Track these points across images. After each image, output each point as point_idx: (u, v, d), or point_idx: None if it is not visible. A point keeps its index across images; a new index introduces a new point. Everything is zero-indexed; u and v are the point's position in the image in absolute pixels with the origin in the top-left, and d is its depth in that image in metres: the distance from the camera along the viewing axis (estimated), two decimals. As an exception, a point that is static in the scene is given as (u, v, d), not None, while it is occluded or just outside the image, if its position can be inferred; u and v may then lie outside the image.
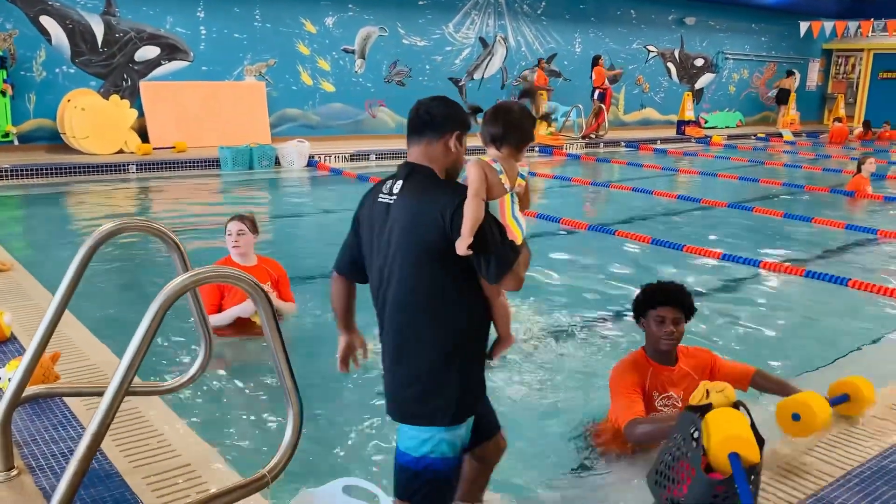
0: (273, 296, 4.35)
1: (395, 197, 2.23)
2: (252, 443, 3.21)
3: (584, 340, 4.66)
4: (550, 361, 4.29)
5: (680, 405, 3.08)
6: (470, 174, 2.17)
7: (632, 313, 3.25)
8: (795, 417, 2.89)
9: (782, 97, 20.74)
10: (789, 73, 20.96)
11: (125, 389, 2.05)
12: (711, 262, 6.59)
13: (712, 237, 7.58)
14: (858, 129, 20.44)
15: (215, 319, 4.18)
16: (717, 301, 5.56)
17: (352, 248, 2.40)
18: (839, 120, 20.50)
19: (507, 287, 2.20)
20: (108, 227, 2.48)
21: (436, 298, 2.15)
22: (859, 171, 10.12)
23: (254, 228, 4.42)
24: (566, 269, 6.32)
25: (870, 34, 19.87)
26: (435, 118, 2.25)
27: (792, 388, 3.14)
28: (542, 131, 15.16)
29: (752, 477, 2.33)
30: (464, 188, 2.16)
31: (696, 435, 2.40)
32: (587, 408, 3.61)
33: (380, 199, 2.27)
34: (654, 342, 3.12)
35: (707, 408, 2.42)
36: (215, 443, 3.10)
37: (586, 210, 9.86)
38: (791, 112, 20.90)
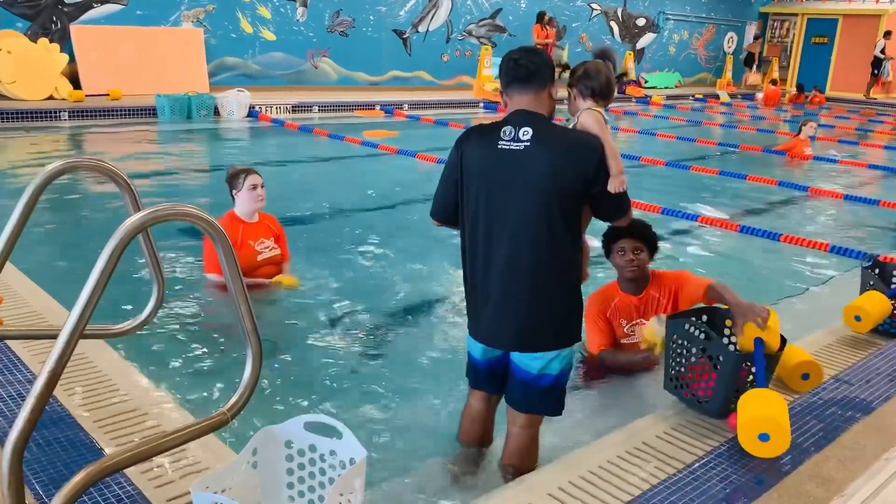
0: (286, 266, 4.37)
1: (526, 143, 2.37)
2: (210, 389, 3.21)
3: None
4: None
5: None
6: (592, 124, 2.48)
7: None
8: (763, 438, 2.50)
9: (749, 60, 21.27)
10: (756, 38, 21.39)
11: (81, 330, 2.02)
12: (652, 216, 6.76)
13: (652, 193, 7.76)
14: (791, 92, 21.06)
15: (215, 279, 4.13)
16: (658, 256, 5.72)
17: (451, 196, 2.53)
18: (774, 82, 21.06)
19: (621, 223, 2.60)
20: (55, 165, 2.41)
21: (556, 235, 2.38)
22: (799, 132, 10.47)
23: None
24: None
25: (804, -1, 20.38)
26: (540, 68, 2.45)
27: (742, 305, 2.89)
28: (486, 87, 15.14)
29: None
30: (594, 136, 2.44)
31: (697, 333, 2.78)
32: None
33: (501, 146, 2.40)
34: (619, 273, 3.48)
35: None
36: (172, 386, 3.10)
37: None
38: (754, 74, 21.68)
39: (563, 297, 2.45)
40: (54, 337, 2.01)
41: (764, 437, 2.45)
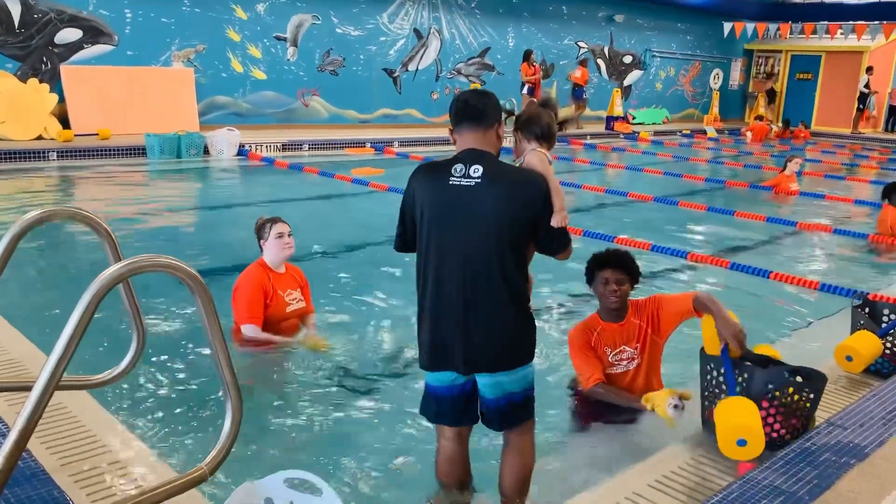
0: (311, 320, 4.31)
1: (477, 180, 2.50)
2: (189, 440, 3.13)
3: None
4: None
5: (636, 357, 3.57)
6: (537, 163, 2.64)
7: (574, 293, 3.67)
8: (741, 443, 2.73)
9: (771, 97, 21.70)
10: (769, 76, 21.78)
11: (55, 383, 1.97)
12: (641, 252, 6.76)
13: (640, 230, 7.77)
14: (777, 128, 21.30)
15: (263, 337, 4.02)
16: (646, 290, 5.70)
17: (409, 229, 2.65)
18: (760, 118, 21.32)
19: (562, 257, 2.70)
20: (34, 214, 2.38)
21: (509, 265, 2.51)
22: (785, 168, 10.53)
23: None
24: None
25: (788, 36, 20.70)
26: (488, 108, 2.61)
27: (730, 323, 3.09)
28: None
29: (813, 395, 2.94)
30: (539, 174, 2.59)
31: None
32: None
33: (452, 182, 2.52)
34: (602, 302, 3.59)
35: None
36: (150, 438, 3.03)
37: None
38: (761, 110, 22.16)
39: (519, 317, 2.59)
40: (30, 389, 1.96)
41: (742, 443, 2.71)
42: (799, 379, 2.99)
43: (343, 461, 3.05)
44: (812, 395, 2.98)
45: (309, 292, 4.42)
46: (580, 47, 19.54)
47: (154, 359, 3.85)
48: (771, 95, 22.26)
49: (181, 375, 3.72)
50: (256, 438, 3.15)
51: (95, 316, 1.96)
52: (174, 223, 7.34)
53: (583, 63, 18.31)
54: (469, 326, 2.50)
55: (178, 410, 3.36)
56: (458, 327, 2.51)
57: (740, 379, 2.98)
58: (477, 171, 2.51)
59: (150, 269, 1.99)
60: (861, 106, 21.64)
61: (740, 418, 2.72)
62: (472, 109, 2.59)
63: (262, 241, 4.18)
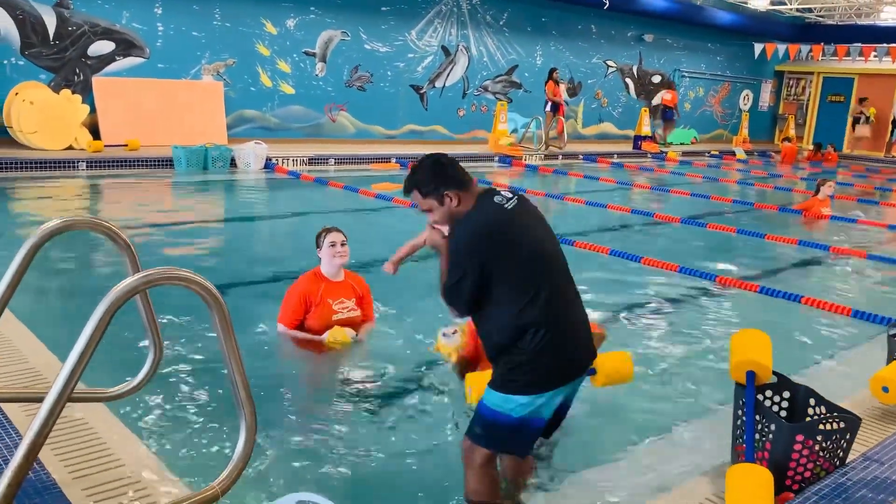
0: (350, 332, 4.28)
1: (515, 201, 2.64)
2: (203, 454, 3.07)
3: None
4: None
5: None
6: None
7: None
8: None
9: (856, 120, 21.52)
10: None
11: (67, 396, 1.94)
12: (669, 274, 6.64)
13: (667, 251, 7.64)
14: (808, 150, 21.02)
15: (290, 333, 4.23)
16: (675, 313, 5.59)
17: (479, 286, 2.54)
18: (789, 140, 21.06)
19: None
20: (53, 223, 2.36)
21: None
22: (817, 192, 10.32)
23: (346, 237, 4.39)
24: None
25: (820, 58, 20.47)
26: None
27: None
28: (501, 141, 15.22)
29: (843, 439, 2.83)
30: None
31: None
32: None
33: (508, 207, 2.60)
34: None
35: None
36: (164, 453, 2.98)
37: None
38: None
39: None
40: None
41: None
42: (832, 426, 2.85)
43: (357, 484, 2.98)
44: (847, 439, 2.85)
45: (369, 302, 4.52)
46: (608, 66, 19.47)
47: (172, 372, 3.81)
48: (857, 120, 21.94)
49: (198, 390, 3.66)
50: (271, 455, 3.09)
51: (114, 327, 1.92)
52: (198, 235, 7.35)
53: (671, 87, 19.83)
54: (585, 329, 2.65)
55: (193, 425, 3.30)
56: (581, 333, 2.63)
57: (762, 429, 2.83)
58: (511, 202, 2.62)
59: (166, 281, 1.95)
60: (857, 121, 21.43)
61: (752, 499, 2.52)
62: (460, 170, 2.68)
63: (318, 251, 4.34)
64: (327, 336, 4.18)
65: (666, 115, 19.65)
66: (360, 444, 3.29)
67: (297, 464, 3.08)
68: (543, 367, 2.50)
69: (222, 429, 3.25)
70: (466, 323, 3.27)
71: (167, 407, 3.44)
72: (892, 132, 21.37)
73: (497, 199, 2.60)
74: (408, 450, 3.29)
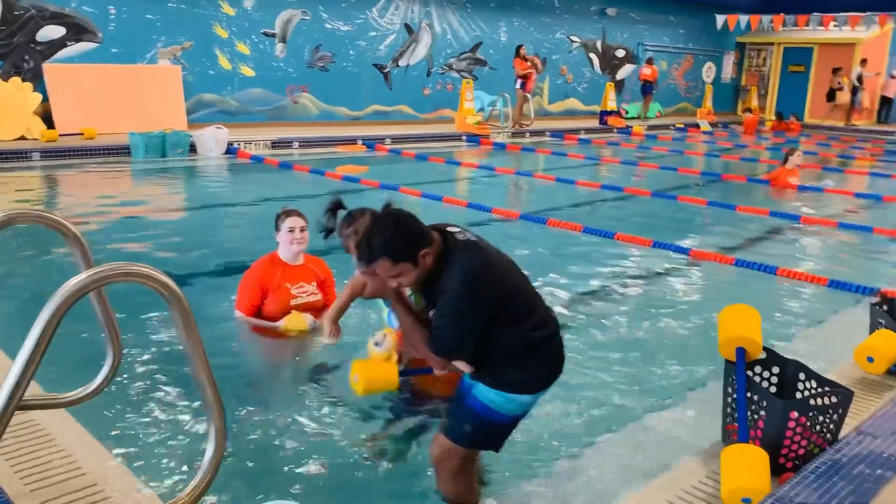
0: (308, 318, 4.09)
1: (470, 234, 2.55)
2: (173, 458, 2.89)
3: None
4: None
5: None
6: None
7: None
8: (746, 501, 2.54)
9: (831, 96, 21.37)
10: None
11: (14, 405, 1.76)
12: (643, 249, 6.58)
13: (639, 225, 7.58)
14: (771, 120, 21.17)
15: (248, 320, 4.09)
16: (652, 289, 5.52)
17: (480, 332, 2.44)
18: (750, 111, 21.20)
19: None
20: (-6, 218, 2.16)
21: None
22: (786, 161, 10.33)
23: (307, 220, 4.19)
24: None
25: (781, 29, 20.56)
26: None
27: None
28: (468, 120, 15.05)
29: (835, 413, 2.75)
30: None
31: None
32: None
33: (472, 239, 2.51)
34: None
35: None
36: (130, 459, 2.80)
37: (516, 199, 9.76)
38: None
39: None
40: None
41: (747, 501, 2.47)
42: (825, 401, 2.77)
43: (339, 489, 2.83)
44: (839, 413, 2.78)
45: (330, 286, 4.36)
46: (572, 41, 19.34)
47: (135, 372, 3.61)
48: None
49: (164, 390, 3.45)
50: (243, 459, 2.93)
51: (71, 327, 1.75)
52: (158, 225, 7.09)
53: (649, 61, 19.72)
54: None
55: (160, 428, 3.11)
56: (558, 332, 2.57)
57: (754, 407, 2.77)
58: (458, 228, 2.54)
59: (120, 278, 1.77)
60: (853, 98, 21.50)
61: (749, 481, 2.46)
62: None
63: (276, 233, 4.18)
64: (283, 323, 4.03)
65: (645, 89, 19.94)
66: (322, 439, 3.13)
67: (251, 463, 2.91)
68: (546, 370, 2.53)
69: (191, 430, 3.08)
70: (390, 329, 3.15)
71: (131, 409, 3.24)
72: (853, 101, 21.59)
73: (458, 235, 2.46)
74: (370, 443, 3.14)
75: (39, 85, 10.97)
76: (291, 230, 4.10)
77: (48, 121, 10.88)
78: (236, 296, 4.20)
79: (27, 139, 10.51)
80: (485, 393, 2.45)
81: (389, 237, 2.31)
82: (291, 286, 4.14)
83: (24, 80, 10.73)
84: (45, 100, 10.94)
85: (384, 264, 2.32)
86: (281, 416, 3.29)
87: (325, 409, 3.38)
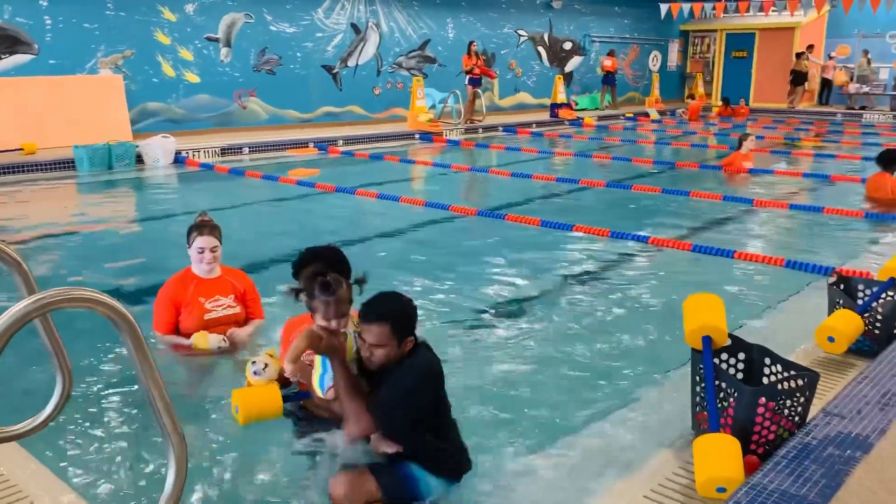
0: (214, 338, 3.84)
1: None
2: (133, 487, 2.77)
3: (496, 326, 4.48)
4: (467, 349, 4.07)
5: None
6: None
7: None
8: (720, 490, 2.59)
9: (799, 80, 21.48)
10: (799, 56, 21.56)
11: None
12: (601, 240, 6.60)
13: (596, 216, 7.61)
14: (718, 106, 21.53)
15: (165, 339, 3.89)
16: (612, 280, 5.53)
17: None
18: (693, 97, 21.56)
19: None
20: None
21: None
22: (740, 146, 10.48)
23: (220, 236, 3.97)
24: (464, 256, 6.12)
25: (722, 15, 20.90)
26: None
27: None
28: (420, 118, 14.97)
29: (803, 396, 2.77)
30: None
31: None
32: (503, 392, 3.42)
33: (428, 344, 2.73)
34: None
35: None
36: (87, 490, 2.68)
37: (473, 196, 9.73)
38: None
39: None
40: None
41: (721, 490, 2.48)
42: (792, 385, 2.78)
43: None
44: (806, 396, 2.80)
45: (253, 298, 4.12)
46: (520, 35, 19.40)
47: (89, 400, 3.45)
48: (799, 79, 21.96)
49: (120, 417, 3.29)
50: (205, 486, 2.81)
51: (16, 354, 1.64)
52: (108, 240, 6.88)
53: (611, 53, 20.47)
54: None
55: (117, 457, 2.95)
56: None
57: (723, 395, 2.78)
58: None
59: (65, 304, 1.67)
60: (801, 73, 21.94)
61: (722, 470, 2.47)
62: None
63: (188, 248, 3.96)
64: (192, 341, 3.84)
65: (608, 79, 20.56)
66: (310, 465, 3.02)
67: (242, 489, 2.82)
68: (462, 460, 2.73)
69: (150, 458, 2.94)
70: (273, 351, 3.08)
71: (86, 439, 3.08)
72: (792, 84, 22.05)
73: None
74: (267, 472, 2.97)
75: (-26, 100, 10.58)
76: (201, 251, 3.90)
77: (-15, 137, 10.50)
78: (153, 316, 3.97)
79: (-36, 157, 10.12)
80: (417, 471, 2.59)
81: (402, 309, 2.58)
82: (206, 300, 3.93)
83: (-43, 96, 10.34)
84: (-19, 115, 10.56)
85: (382, 330, 2.50)
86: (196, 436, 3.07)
87: (219, 436, 3.17)
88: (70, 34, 11.68)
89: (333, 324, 2.57)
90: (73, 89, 11.56)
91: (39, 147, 10.76)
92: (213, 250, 3.91)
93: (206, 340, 3.81)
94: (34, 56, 11.36)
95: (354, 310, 2.69)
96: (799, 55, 21.58)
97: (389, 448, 2.57)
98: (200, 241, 3.88)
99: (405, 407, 2.50)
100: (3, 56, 11.06)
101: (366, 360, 2.58)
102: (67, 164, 10.23)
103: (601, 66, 20.78)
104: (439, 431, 2.63)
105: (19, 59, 11.24)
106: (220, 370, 3.79)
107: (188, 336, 3.87)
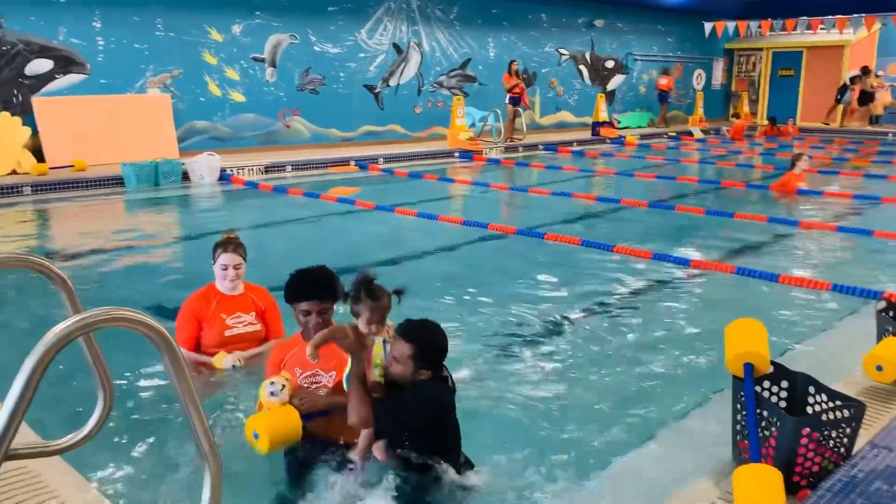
0: (229, 359, 3.87)
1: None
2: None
3: (534, 346, 4.45)
4: (503, 369, 4.05)
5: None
6: None
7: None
8: (255, 436, 2.87)
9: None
10: (860, 76, 21.13)
11: (2, 456, 1.68)
12: (642, 261, 6.52)
13: (638, 237, 7.52)
14: (764, 125, 21.20)
15: (188, 355, 3.87)
16: (653, 303, 5.46)
17: None
18: (737, 116, 21.26)
19: None
20: (-25, 264, 2.09)
21: None
22: (793, 167, 10.28)
23: (245, 254, 4.03)
24: (502, 274, 6.10)
25: (769, 33, 20.63)
26: None
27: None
28: (460, 136, 15.04)
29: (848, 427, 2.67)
30: None
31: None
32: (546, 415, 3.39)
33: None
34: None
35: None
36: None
37: (512, 214, 9.72)
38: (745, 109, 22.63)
39: None
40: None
41: None
42: (837, 415, 2.70)
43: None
44: (852, 427, 2.71)
45: (274, 317, 4.13)
46: (561, 54, 19.40)
47: (130, 416, 3.50)
48: (844, 90, 21.58)
49: (160, 433, 3.33)
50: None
51: (60, 368, 1.68)
52: (153, 256, 7.03)
53: (666, 72, 21.13)
54: None
55: (156, 473, 2.98)
56: None
57: (765, 424, 2.71)
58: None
59: (107, 324, 1.70)
60: (839, 97, 21.53)
61: (764, 502, 2.39)
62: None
63: (213, 264, 4.03)
64: (213, 360, 3.88)
65: (662, 98, 21.04)
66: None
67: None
68: None
69: (188, 474, 2.95)
70: (287, 375, 3.09)
71: (125, 454, 3.14)
72: (837, 99, 21.60)
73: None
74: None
75: (29, 119, 10.94)
76: (224, 268, 3.95)
77: (38, 154, 10.83)
78: (176, 328, 3.99)
79: (18, 173, 10.45)
80: None
81: (431, 339, 2.71)
82: (227, 317, 3.97)
83: (13, 115, 10.69)
84: (35, 133, 10.90)
85: (405, 348, 2.66)
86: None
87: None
88: (121, 54, 12.02)
89: (373, 328, 2.76)
90: (123, 108, 11.88)
91: (89, 164, 11.06)
92: (236, 267, 3.96)
93: (219, 362, 3.85)
94: (86, 76, 11.71)
95: (391, 322, 2.82)
96: (860, 75, 21.06)
97: (379, 455, 2.76)
98: (224, 258, 3.95)
99: (392, 421, 2.71)
100: (57, 76, 11.42)
101: (386, 367, 2.74)
102: (116, 181, 10.49)
103: (656, 84, 21.16)
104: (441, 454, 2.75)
105: (73, 78, 11.60)
106: (231, 389, 3.80)
107: (208, 350, 3.93)
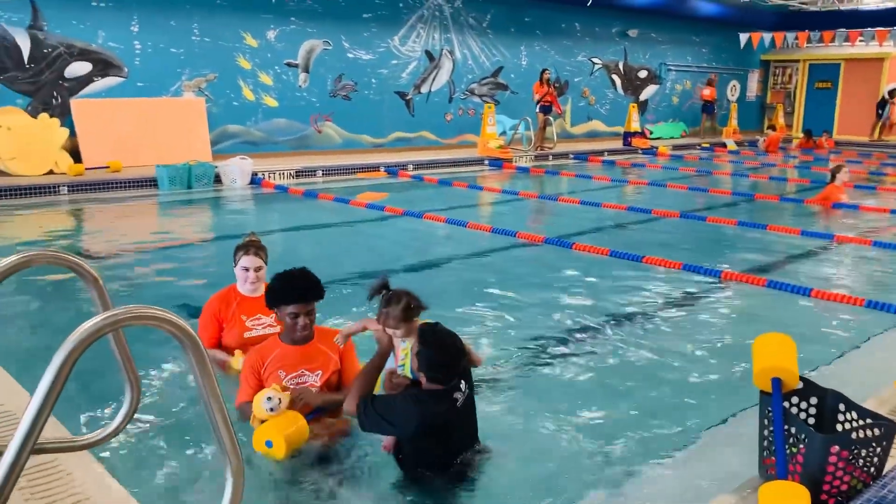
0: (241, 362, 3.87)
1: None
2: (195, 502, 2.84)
3: (561, 357, 4.42)
4: (530, 380, 4.03)
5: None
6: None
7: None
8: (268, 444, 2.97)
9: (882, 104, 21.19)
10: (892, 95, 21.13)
11: (30, 449, 1.71)
12: (672, 272, 6.45)
13: (668, 247, 7.45)
14: (800, 138, 20.91)
15: (209, 353, 3.87)
16: (681, 314, 5.39)
17: None
18: (772, 128, 21.00)
19: None
20: (11, 259, 2.14)
21: None
22: (833, 179, 10.13)
23: (266, 257, 4.09)
24: (530, 283, 6.08)
25: (805, 45, 20.37)
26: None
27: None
28: (490, 144, 15.04)
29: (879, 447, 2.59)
30: None
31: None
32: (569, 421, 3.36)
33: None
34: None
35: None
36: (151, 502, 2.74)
37: (541, 223, 9.68)
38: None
39: None
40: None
41: None
42: (868, 434, 2.64)
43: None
44: (883, 446, 2.65)
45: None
46: (594, 63, 19.32)
47: (157, 412, 3.55)
48: (883, 104, 21.46)
49: (186, 430, 3.37)
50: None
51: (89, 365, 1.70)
52: (184, 256, 7.12)
53: (710, 83, 20.94)
54: None
55: (181, 469, 3.04)
56: None
57: (792, 440, 2.66)
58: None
59: (134, 322, 1.73)
60: (880, 112, 21.18)
61: None
62: None
63: (234, 266, 4.07)
64: (233, 360, 3.90)
65: (706, 108, 21.06)
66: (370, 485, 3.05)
67: None
68: None
69: (213, 471, 2.99)
70: (277, 387, 3.15)
71: (151, 450, 3.19)
72: (878, 114, 21.25)
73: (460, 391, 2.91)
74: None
75: (67, 120, 11.16)
76: (245, 270, 3.99)
77: (76, 155, 11.05)
78: (199, 329, 4.03)
79: (55, 173, 10.66)
80: None
81: (439, 344, 2.83)
82: (247, 318, 3.99)
83: (51, 116, 10.91)
84: (73, 134, 11.12)
85: (423, 355, 2.84)
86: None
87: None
88: (157, 58, 12.22)
89: (388, 330, 3.07)
90: (158, 111, 12.07)
91: (124, 165, 11.25)
92: (256, 270, 3.99)
93: (236, 362, 3.86)
94: (124, 79, 11.93)
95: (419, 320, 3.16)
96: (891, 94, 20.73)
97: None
98: (245, 261, 3.98)
99: (373, 421, 2.86)
100: (95, 78, 11.65)
101: (412, 367, 2.95)
102: (150, 183, 10.65)
103: (700, 95, 21.29)
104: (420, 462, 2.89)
105: (110, 81, 11.82)
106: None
107: (228, 352, 3.97)
